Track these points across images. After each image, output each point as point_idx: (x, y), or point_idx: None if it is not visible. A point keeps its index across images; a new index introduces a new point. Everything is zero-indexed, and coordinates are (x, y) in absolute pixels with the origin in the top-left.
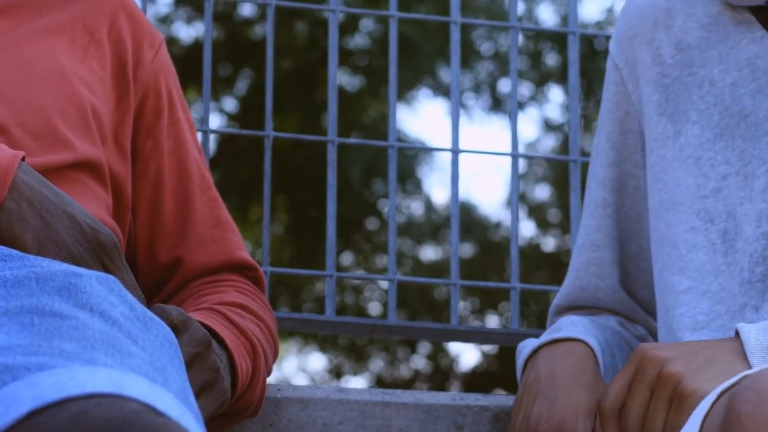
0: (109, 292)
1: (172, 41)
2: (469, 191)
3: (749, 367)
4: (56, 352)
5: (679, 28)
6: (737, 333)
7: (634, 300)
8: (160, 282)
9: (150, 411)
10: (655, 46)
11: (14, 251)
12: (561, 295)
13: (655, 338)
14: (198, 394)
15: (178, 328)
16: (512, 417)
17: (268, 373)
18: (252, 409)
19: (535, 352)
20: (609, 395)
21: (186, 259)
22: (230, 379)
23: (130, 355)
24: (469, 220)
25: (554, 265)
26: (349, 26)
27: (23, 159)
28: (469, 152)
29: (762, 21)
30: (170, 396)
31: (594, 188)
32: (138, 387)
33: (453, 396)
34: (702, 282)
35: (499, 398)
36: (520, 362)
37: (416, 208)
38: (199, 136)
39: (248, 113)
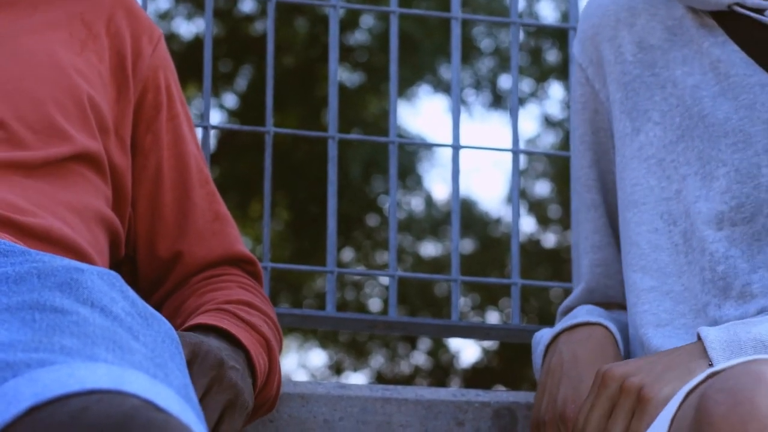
0: (110, 288)
1: (172, 37)
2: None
3: (711, 365)
4: (57, 348)
5: (641, 26)
6: (698, 336)
7: None
8: (159, 278)
9: (150, 407)
10: (617, 44)
11: (16, 246)
12: (571, 298)
13: None
14: (222, 416)
15: (188, 362)
16: (535, 402)
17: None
18: (269, 404)
19: (555, 338)
20: (577, 416)
21: (186, 253)
22: (250, 380)
23: (131, 351)
24: (470, 216)
25: (555, 261)
26: (349, 22)
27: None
28: (469, 148)
29: (723, 26)
30: (171, 392)
31: (581, 192)
32: (138, 383)
33: (454, 392)
34: (665, 282)
35: (500, 394)
36: (540, 349)
37: (417, 204)
38: (200, 131)
39: (249, 109)
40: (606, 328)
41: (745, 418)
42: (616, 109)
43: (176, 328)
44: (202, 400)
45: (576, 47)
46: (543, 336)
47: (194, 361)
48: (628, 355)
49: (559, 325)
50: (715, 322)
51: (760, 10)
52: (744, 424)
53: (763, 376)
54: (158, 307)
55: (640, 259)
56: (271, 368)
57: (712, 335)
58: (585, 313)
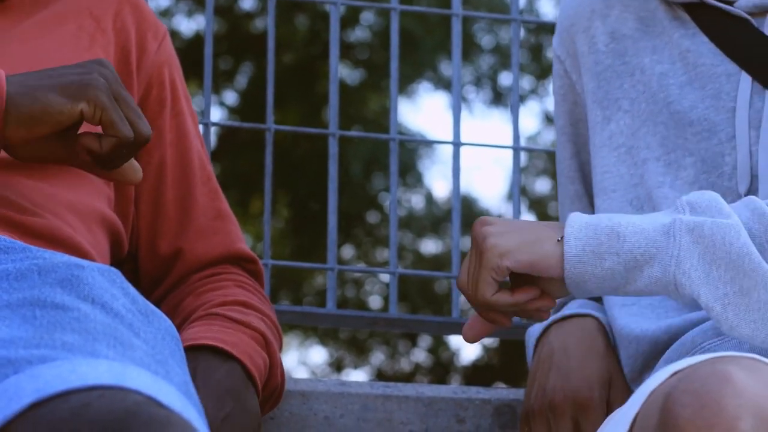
0: (111, 284)
1: (173, 34)
2: (470, 184)
3: (561, 239)
4: (58, 344)
5: (615, 17)
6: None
7: None
8: (160, 275)
9: (152, 403)
10: (591, 34)
11: (17, 243)
12: None
13: None
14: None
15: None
16: (526, 392)
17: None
18: (275, 397)
19: (546, 330)
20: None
21: (187, 250)
22: (252, 388)
23: (132, 348)
24: (470, 214)
25: None
26: (350, 19)
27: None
28: (470, 145)
29: (694, 18)
30: (172, 388)
31: (565, 183)
32: (140, 379)
33: (454, 389)
34: None
35: (500, 391)
36: (531, 342)
37: (417, 201)
38: (201, 129)
39: (249, 107)
40: (596, 318)
41: (711, 421)
42: (588, 98)
43: (175, 325)
44: None
45: (555, 40)
46: (534, 329)
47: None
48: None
49: (550, 318)
50: (679, 305)
51: (729, 1)
52: (710, 428)
53: (729, 376)
54: (158, 304)
55: None
56: (272, 362)
57: (577, 216)
58: (576, 307)
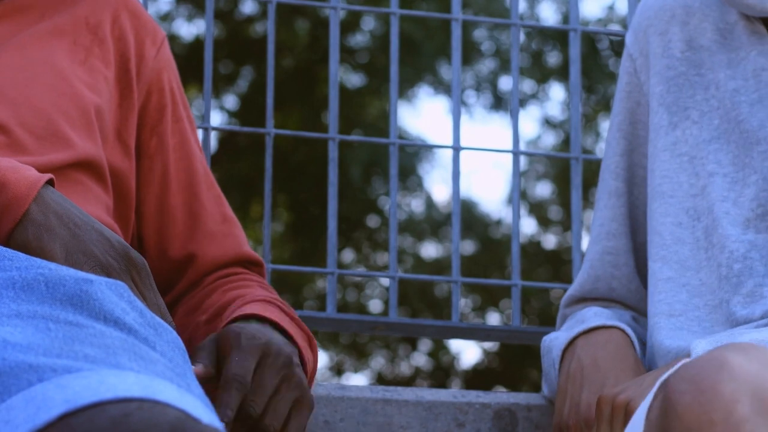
0: (119, 299)
1: (173, 39)
2: (470, 188)
3: None
4: (80, 356)
5: (694, 26)
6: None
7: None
8: (172, 279)
9: (190, 418)
10: (668, 38)
11: (19, 252)
12: (575, 285)
13: None
14: (290, 414)
15: (259, 361)
16: (557, 408)
17: None
18: None
19: (572, 343)
20: None
21: (198, 254)
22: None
23: (153, 361)
24: (470, 218)
25: (555, 263)
26: (350, 24)
27: (52, 183)
28: (470, 149)
29: None
30: (198, 402)
31: (607, 179)
32: (168, 392)
33: (454, 393)
34: (683, 275)
35: (500, 395)
36: (556, 353)
37: (417, 205)
38: (200, 133)
39: (249, 111)
40: (623, 331)
41: (709, 406)
42: (654, 101)
43: (196, 323)
44: (273, 398)
45: (629, 37)
46: (556, 340)
47: (265, 361)
48: (644, 355)
49: (574, 330)
50: (728, 319)
51: None
52: (708, 413)
53: (726, 362)
54: (171, 307)
55: (662, 249)
56: (313, 367)
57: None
58: (593, 316)
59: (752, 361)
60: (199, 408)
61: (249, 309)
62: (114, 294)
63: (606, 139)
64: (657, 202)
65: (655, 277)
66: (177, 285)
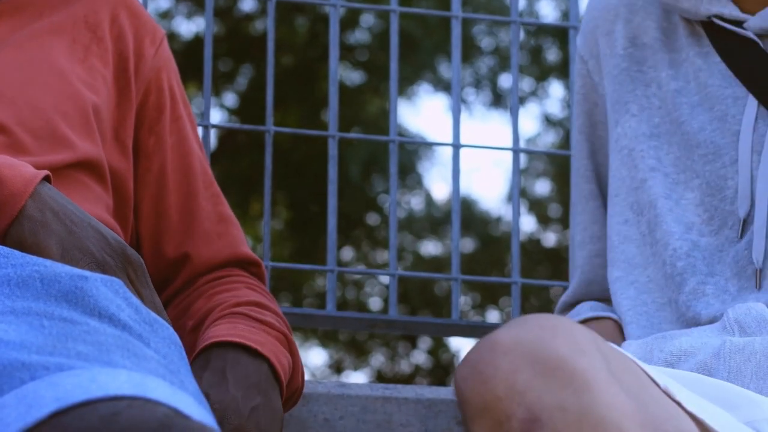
0: (115, 295)
1: (172, 36)
2: (469, 186)
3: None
4: (72, 353)
5: (637, 24)
6: None
7: None
8: (166, 278)
9: (180, 415)
10: (613, 38)
11: (15, 250)
12: (568, 292)
13: None
14: None
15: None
16: None
17: None
18: (295, 398)
19: None
20: None
21: (193, 255)
22: (277, 388)
23: (146, 358)
24: (470, 215)
25: (555, 260)
26: (349, 21)
27: (48, 179)
28: (469, 147)
29: (709, 36)
30: (191, 399)
31: (580, 182)
32: (160, 390)
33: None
34: (631, 273)
35: None
36: None
37: (417, 203)
38: (200, 131)
39: (249, 108)
40: (614, 321)
41: (490, 386)
42: (607, 101)
43: (185, 328)
44: None
45: (579, 39)
46: None
47: (222, 428)
48: None
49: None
50: (678, 318)
51: (738, 22)
52: (492, 391)
53: (498, 338)
54: (166, 306)
55: (611, 252)
56: (295, 362)
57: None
58: (588, 309)
59: (530, 330)
60: (191, 405)
61: (213, 333)
62: (109, 290)
63: (572, 144)
64: (610, 203)
65: (610, 281)
66: (172, 284)
